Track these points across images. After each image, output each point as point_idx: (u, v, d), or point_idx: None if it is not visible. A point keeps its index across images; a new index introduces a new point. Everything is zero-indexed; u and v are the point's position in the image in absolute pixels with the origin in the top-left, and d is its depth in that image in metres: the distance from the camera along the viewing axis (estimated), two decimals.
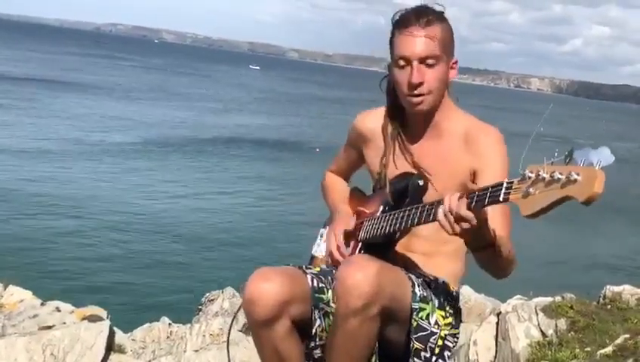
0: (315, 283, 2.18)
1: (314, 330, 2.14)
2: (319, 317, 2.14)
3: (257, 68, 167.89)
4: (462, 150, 2.17)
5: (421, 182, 2.15)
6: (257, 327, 2.09)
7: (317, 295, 2.16)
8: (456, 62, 2.20)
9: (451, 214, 1.86)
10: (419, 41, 2.10)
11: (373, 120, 2.34)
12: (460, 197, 1.86)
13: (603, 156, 1.52)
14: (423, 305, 2.07)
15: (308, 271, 2.23)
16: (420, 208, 2.02)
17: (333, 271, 2.29)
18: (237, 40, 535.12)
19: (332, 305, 2.15)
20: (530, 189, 1.58)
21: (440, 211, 1.90)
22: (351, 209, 2.43)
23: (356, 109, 2.44)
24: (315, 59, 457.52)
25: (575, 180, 1.50)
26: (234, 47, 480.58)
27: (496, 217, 2.01)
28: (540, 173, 1.57)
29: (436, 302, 2.13)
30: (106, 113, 43.18)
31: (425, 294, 2.10)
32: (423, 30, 2.10)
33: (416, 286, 2.09)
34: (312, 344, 2.16)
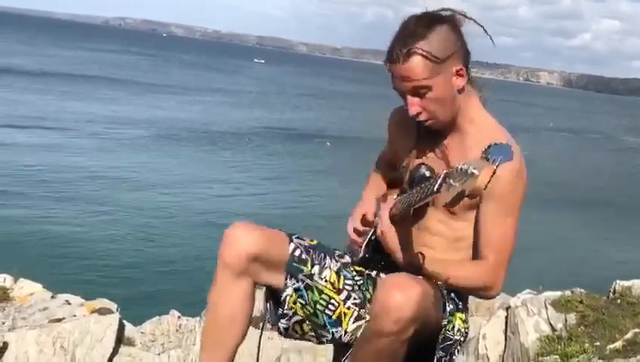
0: (297, 253, 2.19)
1: (283, 297, 2.17)
2: (292, 286, 2.17)
3: (262, 61, 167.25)
4: None
5: (427, 173, 2.14)
6: (220, 268, 2.14)
7: (295, 264, 2.18)
8: (461, 69, 2.08)
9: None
10: (402, 77, 2.03)
11: (400, 117, 2.32)
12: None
13: (504, 154, 1.74)
14: (450, 318, 2.09)
15: (296, 240, 2.23)
16: (420, 186, 1.98)
17: (336, 251, 2.31)
18: (245, 34, 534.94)
19: (317, 280, 2.19)
20: (451, 181, 1.70)
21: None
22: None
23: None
24: (324, 53, 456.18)
25: (472, 174, 1.64)
26: (243, 41, 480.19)
27: (493, 235, 2.02)
28: (458, 165, 1.70)
29: (455, 307, 2.14)
30: (132, 109, 43.40)
31: (452, 306, 2.11)
32: (403, 65, 2.00)
33: (447, 301, 2.09)
34: (280, 311, 2.19)
